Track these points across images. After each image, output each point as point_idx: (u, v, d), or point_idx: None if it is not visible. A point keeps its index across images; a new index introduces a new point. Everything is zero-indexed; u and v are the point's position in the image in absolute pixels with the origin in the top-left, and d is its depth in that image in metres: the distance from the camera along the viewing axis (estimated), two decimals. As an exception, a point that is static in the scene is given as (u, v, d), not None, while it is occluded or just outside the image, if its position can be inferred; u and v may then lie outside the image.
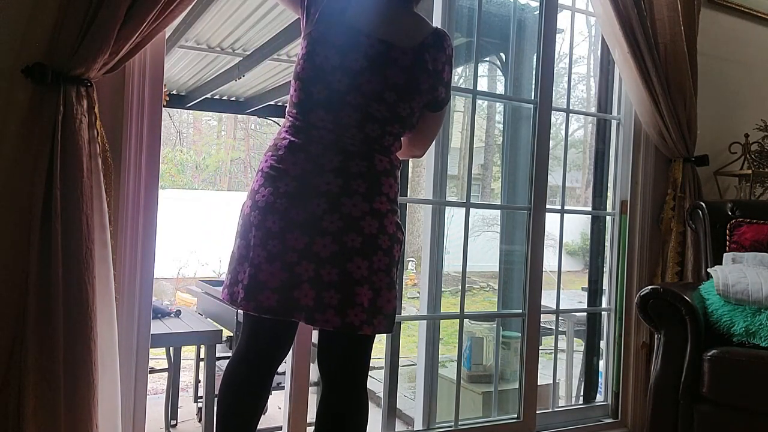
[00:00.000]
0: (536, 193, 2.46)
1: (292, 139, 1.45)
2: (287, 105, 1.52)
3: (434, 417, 2.37)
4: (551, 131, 2.52)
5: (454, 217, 2.76)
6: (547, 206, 2.50)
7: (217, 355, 2.85)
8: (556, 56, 2.54)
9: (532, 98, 2.52)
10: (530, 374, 2.44)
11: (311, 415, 2.70)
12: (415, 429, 2.35)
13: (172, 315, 3.07)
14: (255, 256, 1.40)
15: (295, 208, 1.40)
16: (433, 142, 1.70)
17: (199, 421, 3.22)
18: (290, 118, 1.49)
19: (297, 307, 1.39)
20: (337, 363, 1.51)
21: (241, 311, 1.61)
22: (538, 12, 2.53)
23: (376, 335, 1.51)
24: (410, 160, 2.31)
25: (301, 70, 1.46)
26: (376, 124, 1.45)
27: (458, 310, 2.39)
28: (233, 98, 6.44)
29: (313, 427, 1.53)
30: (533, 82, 2.56)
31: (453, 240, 2.69)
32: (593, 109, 2.93)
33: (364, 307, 1.41)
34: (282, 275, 1.39)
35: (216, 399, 1.57)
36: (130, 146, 1.67)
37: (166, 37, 1.71)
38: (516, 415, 2.45)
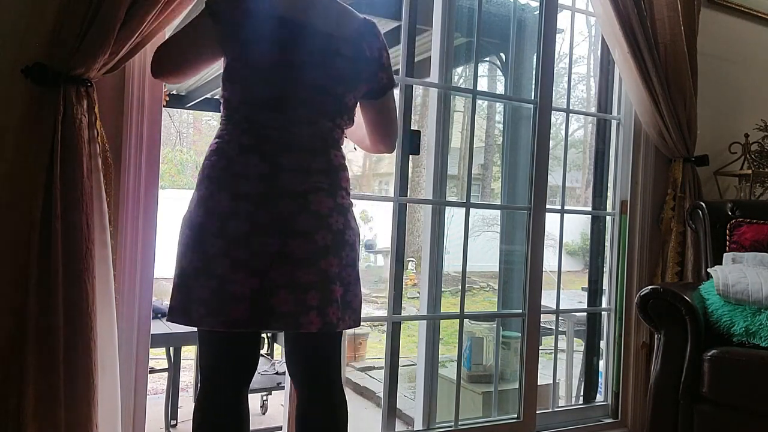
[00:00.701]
0: (536, 193, 2.46)
1: (241, 140, 1.37)
2: (222, 107, 1.43)
3: (434, 417, 2.37)
4: (551, 131, 2.52)
5: (454, 217, 2.76)
6: (547, 206, 2.50)
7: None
8: (556, 56, 2.54)
9: (532, 98, 2.52)
10: (530, 374, 2.44)
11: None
12: (415, 429, 2.35)
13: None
14: (216, 266, 1.31)
15: (261, 210, 1.33)
16: (397, 134, 1.66)
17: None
18: (232, 120, 1.40)
19: (274, 315, 1.32)
20: (312, 364, 1.47)
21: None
22: (538, 12, 2.53)
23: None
24: (410, 158, 2.31)
25: (236, 71, 1.38)
26: (327, 117, 1.42)
27: (458, 310, 2.39)
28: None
29: None
30: (533, 82, 2.56)
31: (453, 240, 2.69)
32: (593, 109, 2.93)
33: (339, 303, 1.39)
34: (252, 283, 1.31)
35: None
36: (130, 146, 1.67)
37: (166, 37, 1.71)
38: (516, 415, 2.45)
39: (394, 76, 1.57)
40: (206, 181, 1.37)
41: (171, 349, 3.07)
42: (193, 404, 1.44)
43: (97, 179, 1.54)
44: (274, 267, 1.32)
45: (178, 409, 3.19)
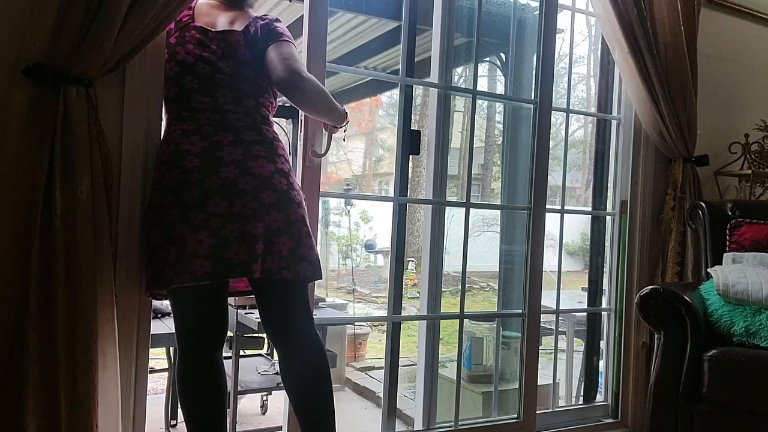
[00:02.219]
0: (536, 193, 2.46)
1: (183, 126, 1.60)
2: (164, 104, 1.68)
3: (434, 417, 2.37)
4: (551, 131, 2.52)
5: (454, 217, 2.76)
6: (547, 206, 2.50)
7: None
8: (556, 56, 2.54)
9: (532, 98, 2.52)
10: (530, 374, 2.44)
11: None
12: (415, 429, 2.35)
13: (172, 315, 3.06)
14: (177, 233, 1.50)
15: (209, 176, 1.53)
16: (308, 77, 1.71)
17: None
18: (172, 112, 1.65)
19: (231, 266, 1.51)
20: (279, 319, 1.65)
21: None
22: (537, 12, 2.53)
23: (310, 284, 1.74)
24: (410, 158, 2.31)
25: (169, 70, 1.65)
26: (249, 97, 1.65)
27: (458, 310, 2.39)
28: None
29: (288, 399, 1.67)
30: (533, 82, 2.56)
31: (453, 240, 2.69)
32: (593, 109, 2.93)
33: (283, 255, 1.56)
34: (210, 240, 1.50)
35: (179, 399, 1.64)
36: (130, 146, 1.67)
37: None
38: (516, 415, 2.45)
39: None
40: (159, 165, 1.61)
41: (171, 349, 3.06)
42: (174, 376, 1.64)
43: (97, 179, 1.53)
44: (225, 225, 1.51)
45: (178, 409, 3.19)
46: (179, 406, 1.61)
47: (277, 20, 1.72)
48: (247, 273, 1.54)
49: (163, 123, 1.70)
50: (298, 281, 1.63)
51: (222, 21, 1.71)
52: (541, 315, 2.50)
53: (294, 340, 1.64)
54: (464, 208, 2.37)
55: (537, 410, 2.47)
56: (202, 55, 1.64)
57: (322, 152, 1.95)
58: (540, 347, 2.57)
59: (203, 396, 1.62)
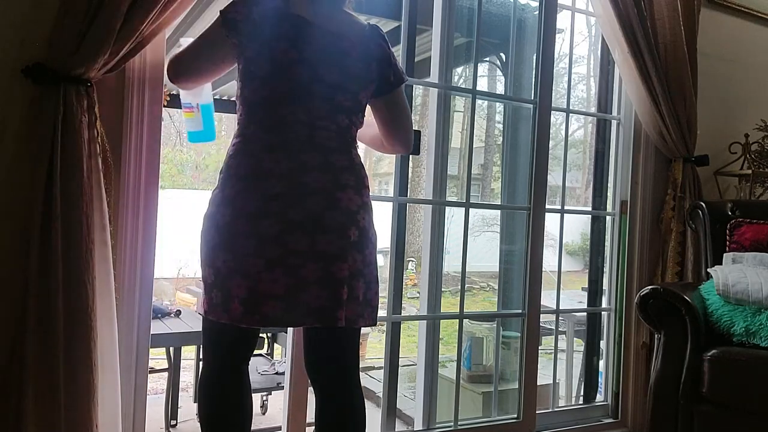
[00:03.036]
0: (536, 193, 2.46)
1: (266, 137, 1.39)
2: (241, 106, 1.45)
3: (434, 417, 2.37)
4: (551, 131, 2.52)
5: (454, 217, 2.76)
6: (547, 206, 2.50)
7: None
8: (556, 56, 2.54)
9: (532, 98, 2.52)
10: (530, 374, 2.44)
11: (310, 415, 2.70)
12: (415, 429, 2.35)
13: (172, 315, 3.07)
14: (250, 266, 1.33)
15: (293, 208, 1.34)
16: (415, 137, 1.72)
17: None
18: (254, 118, 1.42)
19: (309, 311, 1.35)
20: (331, 362, 1.49)
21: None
22: (537, 12, 2.53)
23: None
24: (410, 158, 2.31)
25: (255, 69, 1.40)
26: (344, 114, 1.45)
27: (458, 310, 2.39)
28: (233, 98, 6.45)
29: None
30: (533, 81, 2.56)
31: (453, 240, 2.69)
32: (593, 109, 2.93)
33: (359, 300, 1.41)
34: (287, 281, 1.33)
35: (201, 421, 1.50)
36: (130, 146, 1.67)
37: (166, 37, 1.71)
38: (516, 415, 2.45)
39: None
40: (232, 180, 1.38)
41: (171, 349, 3.07)
42: (196, 388, 1.50)
43: (97, 179, 1.54)
44: (310, 264, 1.34)
45: (178, 409, 3.19)
46: (200, 418, 1.51)
47: (389, 44, 1.55)
48: (326, 320, 1.36)
49: (236, 123, 1.47)
50: (359, 330, 1.49)
51: (324, 14, 1.46)
52: (541, 315, 2.50)
53: (346, 388, 1.48)
54: (464, 208, 2.37)
55: (537, 410, 2.47)
56: (302, 56, 1.40)
57: None
58: (540, 347, 2.57)
59: (230, 411, 1.47)
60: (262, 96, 1.41)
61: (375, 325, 1.50)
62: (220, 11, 1.42)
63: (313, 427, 1.51)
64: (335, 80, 1.42)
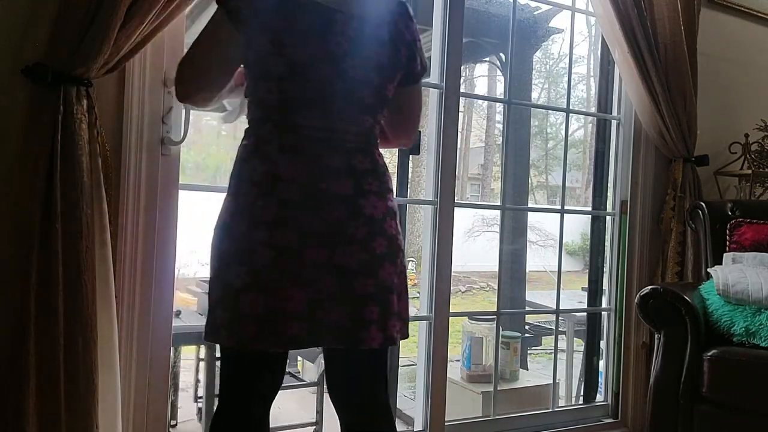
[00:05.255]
0: (443, 186, 2.27)
1: (282, 141, 1.24)
2: (254, 107, 1.29)
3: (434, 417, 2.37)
4: (551, 131, 2.53)
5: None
6: (547, 206, 2.49)
7: (217, 355, 2.85)
8: (556, 56, 2.54)
9: (437, 82, 2.27)
10: (437, 380, 2.26)
11: (310, 416, 2.69)
12: (415, 429, 2.35)
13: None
14: (267, 280, 1.18)
15: (311, 217, 1.21)
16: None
17: (199, 421, 3.22)
18: (270, 121, 1.26)
19: (328, 330, 1.21)
20: (360, 387, 1.35)
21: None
22: (538, 12, 2.52)
23: None
24: (411, 159, 2.31)
25: (271, 68, 1.23)
26: (367, 113, 1.30)
27: (455, 310, 2.38)
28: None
29: None
30: (441, 64, 2.28)
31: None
32: (593, 109, 2.93)
33: (393, 316, 1.28)
34: (307, 297, 1.20)
35: None
36: (130, 146, 1.67)
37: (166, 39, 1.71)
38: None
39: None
40: (246, 186, 1.24)
41: (171, 349, 3.06)
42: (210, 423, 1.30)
43: (97, 179, 1.54)
44: (327, 278, 1.21)
45: (178, 409, 3.19)
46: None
47: (416, 25, 1.38)
48: (355, 342, 1.23)
49: (246, 118, 1.34)
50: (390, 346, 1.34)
51: None
52: (541, 315, 2.50)
53: (376, 409, 1.35)
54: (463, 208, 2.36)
55: (537, 410, 2.46)
56: (323, 49, 1.24)
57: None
58: (540, 347, 2.56)
59: None
60: (278, 97, 1.24)
61: (407, 338, 1.37)
62: (220, 2, 1.24)
63: None
64: (360, 74, 1.27)
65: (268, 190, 1.21)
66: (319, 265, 1.21)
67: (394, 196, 1.36)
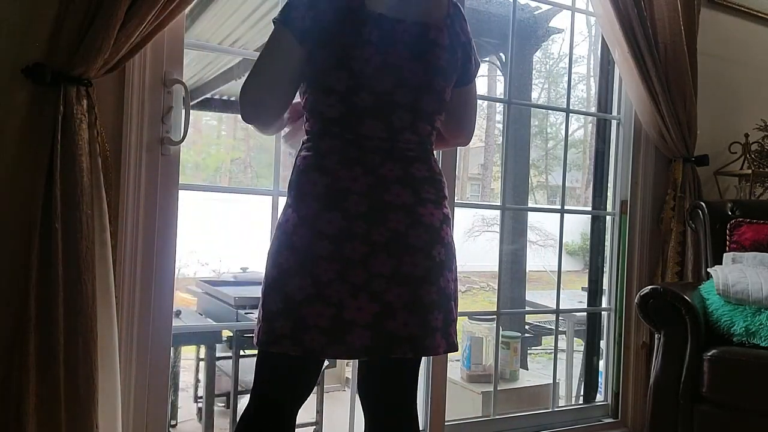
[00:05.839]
0: None
1: (343, 153, 1.25)
2: (313, 119, 1.29)
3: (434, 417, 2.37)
4: (551, 131, 2.53)
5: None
6: (547, 206, 2.49)
7: (217, 355, 2.85)
8: (556, 56, 2.54)
9: None
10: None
11: (310, 416, 2.70)
12: (415, 429, 2.35)
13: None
14: (333, 293, 1.20)
15: (376, 228, 1.22)
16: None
17: (199, 421, 3.22)
18: (330, 133, 1.26)
19: (397, 339, 1.22)
20: (397, 393, 1.37)
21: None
22: (538, 12, 2.53)
23: None
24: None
25: (332, 80, 1.24)
26: (426, 120, 1.31)
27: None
28: (233, 98, 6.45)
29: None
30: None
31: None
32: (593, 109, 2.93)
33: (454, 323, 1.31)
34: (373, 307, 1.21)
35: None
36: (130, 146, 1.67)
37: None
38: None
39: None
40: (308, 199, 1.24)
41: (171, 349, 3.06)
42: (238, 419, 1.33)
43: (97, 179, 1.54)
44: (395, 288, 1.22)
45: (178, 409, 3.19)
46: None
47: (468, 25, 1.38)
48: (422, 351, 1.25)
49: (304, 130, 1.32)
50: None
51: (410, 5, 1.28)
52: (541, 315, 2.50)
53: (405, 420, 1.38)
54: (464, 209, 2.36)
55: (537, 410, 2.46)
56: (386, 60, 1.24)
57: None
58: (540, 347, 2.57)
59: None
60: (340, 111, 1.25)
61: (457, 350, 1.38)
62: (278, 20, 1.25)
63: None
64: (420, 81, 1.27)
65: (331, 202, 1.22)
66: (386, 276, 1.22)
67: (448, 203, 1.37)
